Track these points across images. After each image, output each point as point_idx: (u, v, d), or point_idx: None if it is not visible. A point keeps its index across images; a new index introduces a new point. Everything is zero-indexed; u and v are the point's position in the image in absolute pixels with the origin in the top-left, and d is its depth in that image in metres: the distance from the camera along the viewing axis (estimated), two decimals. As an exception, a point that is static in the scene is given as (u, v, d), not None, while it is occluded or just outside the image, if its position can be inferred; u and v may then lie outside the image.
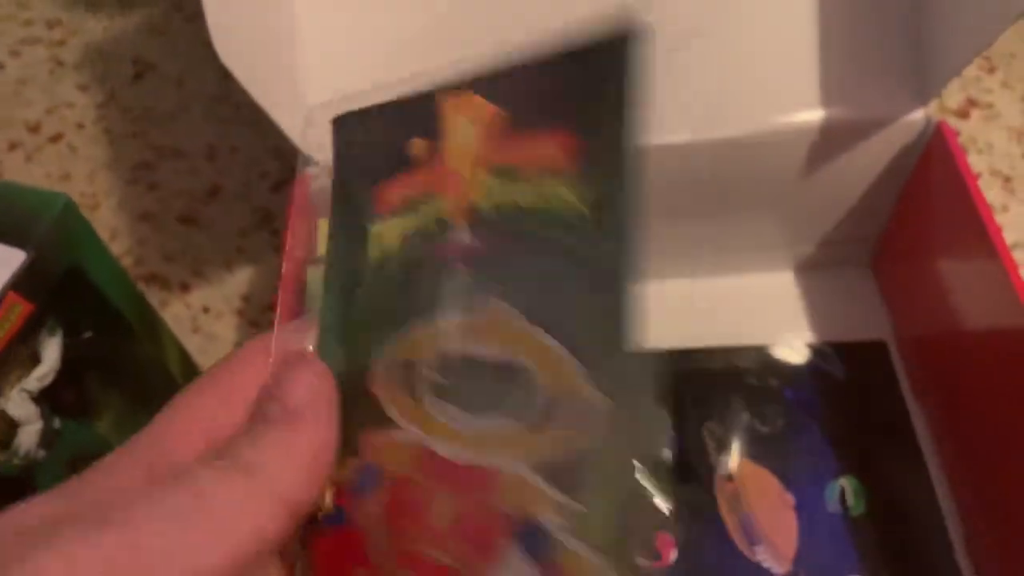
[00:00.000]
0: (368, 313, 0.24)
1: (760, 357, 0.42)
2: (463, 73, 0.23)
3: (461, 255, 0.22)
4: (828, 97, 0.37)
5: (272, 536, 0.20)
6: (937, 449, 0.39)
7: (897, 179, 0.40)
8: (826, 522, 0.37)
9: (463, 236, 0.22)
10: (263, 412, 0.21)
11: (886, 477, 0.38)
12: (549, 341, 0.20)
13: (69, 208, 0.32)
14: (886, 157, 0.39)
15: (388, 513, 0.21)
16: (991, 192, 0.48)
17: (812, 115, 0.37)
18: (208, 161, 0.55)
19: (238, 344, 0.46)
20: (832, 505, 0.38)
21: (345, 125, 0.26)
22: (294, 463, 0.20)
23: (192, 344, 0.46)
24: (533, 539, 0.19)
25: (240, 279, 0.49)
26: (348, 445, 0.22)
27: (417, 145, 0.24)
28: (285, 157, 0.54)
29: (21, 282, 0.30)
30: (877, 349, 0.42)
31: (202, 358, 0.45)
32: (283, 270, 0.28)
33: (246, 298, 0.48)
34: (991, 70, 0.53)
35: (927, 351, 0.40)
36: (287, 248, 0.29)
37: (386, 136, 0.25)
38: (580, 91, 0.21)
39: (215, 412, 0.22)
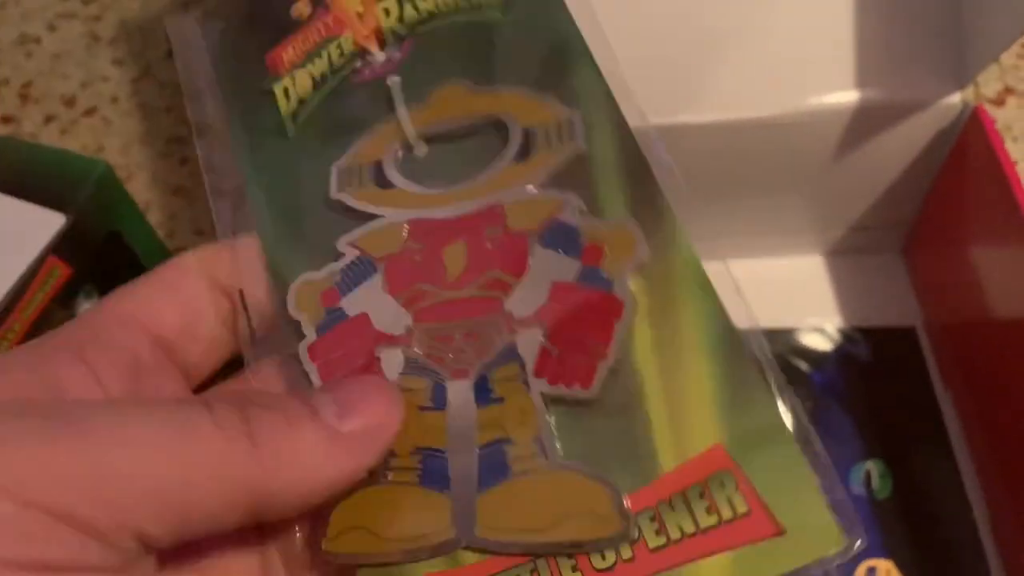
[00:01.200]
0: (304, 147, 0.24)
1: (787, 340, 0.42)
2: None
3: (385, 72, 0.23)
4: (863, 79, 0.37)
5: (227, 527, 0.17)
6: (965, 435, 0.39)
7: (931, 164, 0.39)
8: (851, 505, 0.37)
9: (378, 57, 0.24)
10: (318, 405, 0.18)
11: (912, 461, 0.38)
12: (505, 90, 0.22)
13: (108, 174, 0.32)
14: (921, 141, 0.38)
15: (391, 288, 0.22)
16: (1025, 181, 0.47)
17: (847, 96, 0.37)
18: (240, 137, 0.55)
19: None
20: (857, 487, 0.38)
21: (211, 22, 0.27)
22: (305, 482, 0.18)
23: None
24: (557, 235, 0.20)
25: (270, 253, 0.49)
26: (323, 254, 0.22)
27: (299, 8, 0.25)
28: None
29: (61, 246, 0.31)
30: (906, 335, 0.42)
31: (232, 330, 0.45)
32: None
33: (276, 272, 0.49)
34: (1028, 59, 0.52)
35: (957, 338, 0.40)
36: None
37: (261, 10, 0.26)
38: None
39: (158, 307, 0.22)
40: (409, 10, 0.24)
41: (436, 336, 0.21)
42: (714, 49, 0.38)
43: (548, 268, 0.20)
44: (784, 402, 0.19)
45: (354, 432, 0.18)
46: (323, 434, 0.18)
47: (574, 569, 0.18)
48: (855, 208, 0.43)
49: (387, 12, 0.24)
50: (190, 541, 0.17)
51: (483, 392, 0.20)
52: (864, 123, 0.38)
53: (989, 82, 0.51)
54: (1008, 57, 0.52)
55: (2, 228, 0.31)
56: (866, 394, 0.40)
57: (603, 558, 0.18)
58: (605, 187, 0.21)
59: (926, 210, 0.42)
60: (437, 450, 0.20)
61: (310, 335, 0.22)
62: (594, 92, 0.22)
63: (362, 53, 0.24)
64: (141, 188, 0.53)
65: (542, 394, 0.19)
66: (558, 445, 0.19)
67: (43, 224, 0.31)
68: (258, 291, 0.23)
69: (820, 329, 0.42)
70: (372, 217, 0.23)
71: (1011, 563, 0.36)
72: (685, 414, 0.19)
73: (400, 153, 0.23)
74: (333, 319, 0.22)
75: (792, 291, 0.44)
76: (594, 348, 0.19)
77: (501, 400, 0.19)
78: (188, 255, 0.23)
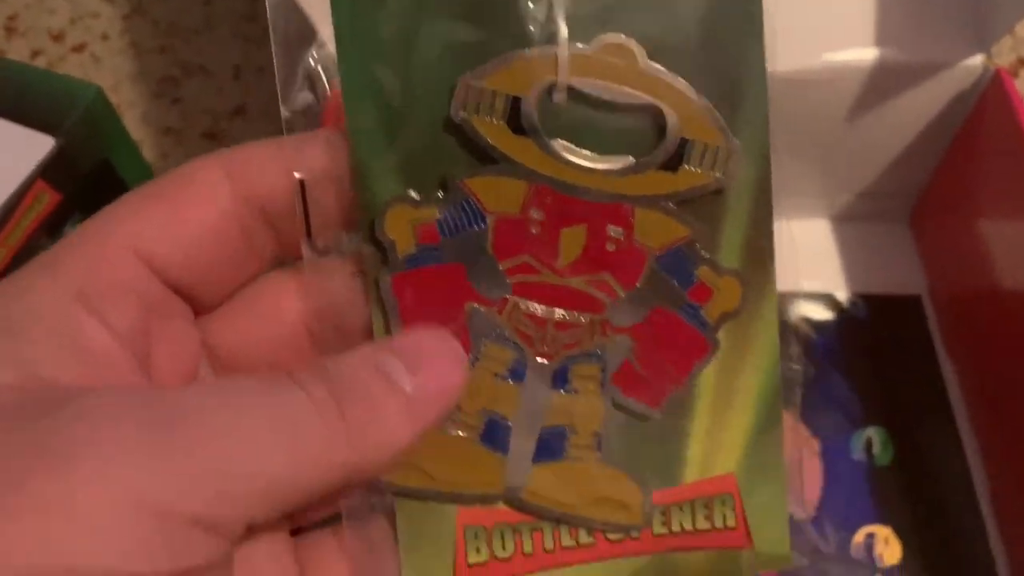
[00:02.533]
0: (420, 23, 0.20)
1: (790, 305, 0.41)
2: None
3: None
4: (882, 37, 0.36)
5: (325, 495, 0.18)
6: (967, 405, 0.38)
7: (947, 129, 0.39)
8: (851, 471, 0.37)
9: None
10: (389, 370, 0.19)
11: (914, 429, 0.38)
12: (677, 83, 0.20)
13: (100, 99, 0.31)
14: (938, 104, 0.38)
15: (498, 250, 0.21)
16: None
17: (864, 55, 0.36)
18: (234, 80, 0.53)
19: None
20: (858, 454, 0.37)
21: None
22: (392, 452, 0.18)
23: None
24: (676, 264, 0.21)
25: (263, 199, 0.48)
26: (427, 181, 0.20)
27: None
28: (310, 80, 0.53)
29: (49, 170, 0.29)
30: (911, 304, 0.41)
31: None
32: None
33: (268, 218, 0.48)
34: (1041, 32, 0.51)
35: (962, 308, 0.40)
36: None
37: None
38: None
39: (159, 232, 0.19)
40: None
41: (530, 315, 0.21)
42: None
43: (656, 291, 0.21)
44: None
45: (425, 395, 0.19)
46: (402, 407, 0.19)
47: (589, 534, 0.22)
48: (865, 173, 0.42)
49: None
50: None
51: (560, 380, 0.21)
52: (880, 83, 0.37)
53: (1003, 52, 0.50)
54: (1022, 27, 0.51)
55: (-12, 149, 0.29)
56: (869, 361, 0.40)
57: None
58: (731, 228, 0.21)
59: (937, 178, 0.41)
60: (503, 416, 0.21)
61: (397, 265, 0.20)
62: (755, 121, 0.21)
63: None
64: (131, 127, 0.51)
65: (613, 399, 0.21)
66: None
67: (31, 147, 0.29)
68: (327, 192, 0.20)
69: (823, 295, 0.42)
70: (492, 159, 0.20)
71: (1010, 532, 0.35)
72: (718, 445, 0.22)
73: (543, 104, 0.20)
74: (426, 257, 0.20)
75: (797, 255, 0.43)
76: (672, 376, 0.21)
77: (575, 392, 0.21)
78: (211, 162, 0.20)
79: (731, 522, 0.22)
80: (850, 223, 0.44)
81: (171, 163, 0.50)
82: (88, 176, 0.31)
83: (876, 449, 0.37)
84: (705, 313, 0.21)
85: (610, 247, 0.21)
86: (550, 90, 0.20)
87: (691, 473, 0.22)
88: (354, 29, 0.20)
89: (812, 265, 0.43)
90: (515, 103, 0.20)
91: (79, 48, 0.55)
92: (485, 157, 0.20)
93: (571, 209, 0.20)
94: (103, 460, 0.15)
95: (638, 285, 0.21)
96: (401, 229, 0.20)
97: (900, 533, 0.35)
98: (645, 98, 0.20)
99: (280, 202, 0.20)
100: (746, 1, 0.20)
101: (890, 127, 0.39)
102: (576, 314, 0.21)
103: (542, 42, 0.20)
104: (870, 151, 0.41)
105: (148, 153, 0.50)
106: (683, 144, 0.20)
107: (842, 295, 0.41)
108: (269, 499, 0.17)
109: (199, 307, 0.21)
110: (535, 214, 0.20)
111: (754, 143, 0.21)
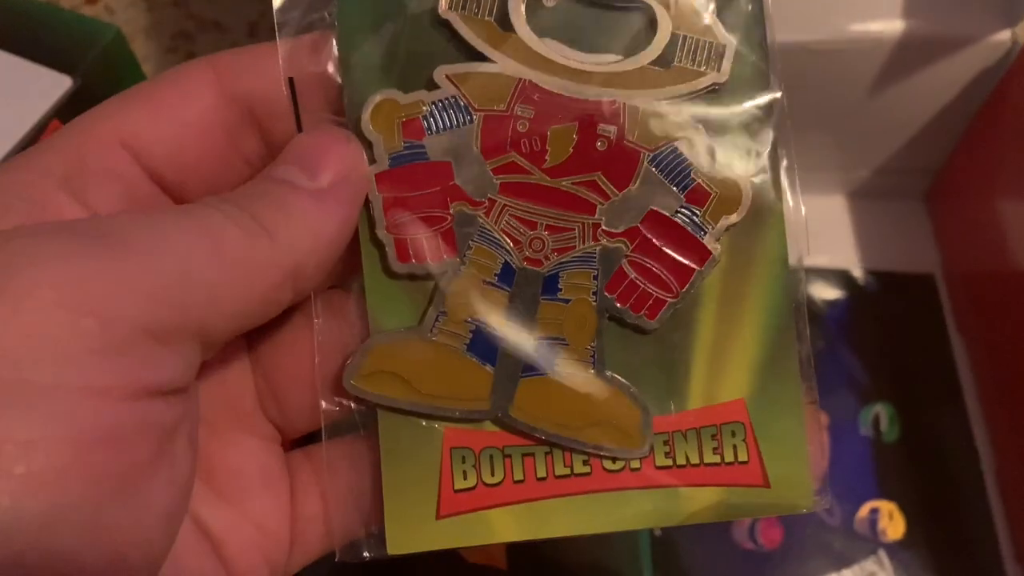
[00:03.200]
0: None
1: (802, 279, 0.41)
2: None
3: None
4: (908, 8, 0.36)
5: (271, 310, 0.18)
6: (976, 384, 0.38)
7: (970, 105, 0.38)
8: (858, 446, 0.37)
9: None
10: (288, 177, 0.19)
11: (922, 407, 0.38)
12: None
13: (119, 40, 0.30)
14: (962, 79, 0.37)
15: (485, 147, 0.20)
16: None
17: (890, 26, 0.36)
18: (249, 37, 0.53)
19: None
20: (865, 429, 0.37)
21: None
22: (317, 243, 0.18)
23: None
24: (671, 164, 0.20)
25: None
26: (414, 80, 0.20)
27: None
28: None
29: (65, 110, 0.29)
30: (924, 282, 0.41)
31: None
32: None
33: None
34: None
35: (976, 288, 0.39)
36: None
37: None
38: None
39: (144, 125, 0.19)
40: None
41: (519, 216, 0.20)
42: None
43: (651, 192, 0.20)
44: (806, 374, 0.21)
45: (331, 185, 0.19)
46: (308, 198, 0.19)
47: (585, 463, 0.20)
48: (883, 149, 0.41)
49: None
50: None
51: (551, 287, 0.20)
52: (904, 56, 0.37)
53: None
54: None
55: (5, 87, 0.29)
56: (880, 338, 0.39)
57: (613, 462, 0.20)
58: (730, 128, 0.20)
59: (956, 156, 0.41)
60: (491, 325, 0.20)
61: (382, 162, 0.20)
62: (749, 17, 0.20)
63: None
64: (144, 80, 0.51)
65: (607, 310, 0.20)
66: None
67: (48, 86, 0.29)
68: (316, 92, 0.20)
69: (836, 270, 0.41)
70: (479, 56, 0.20)
71: (1014, 511, 0.35)
72: (724, 366, 0.20)
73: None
74: (412, 155, 0.20)
75: (811, 230, 0.43)
76: (669, 285, 0.20)
77: (567, 301, 0.20)
78: (200, 62, 0.20)
79: (743, 456, 0.20)
80: (866, 199, 0.43)
81: (184, 117, 0.49)
82: (104, 118, 0.31)
83: (884, 425, 0.37)
84: (703, 217, 0.20)
85: (601, 146, 0.20)
86: None
87: (695, 397, 0.20)
88: None
89: (826, 240, 0.43)
90: (503, 0, 0.20)
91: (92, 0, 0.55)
92: (472, 54, 0.20)
93: (560, 106, 0.20)
94: (42, 267, 0.15)
95: (631, 186, 0.20)
96: (387, 125, 0.20)
97: (904, 509, 0.35)
98: None
99: (267, 103, 0.20)
100: None
101: (912, 102, 0.39)
102: (566, 216, 0.20)
103: None
104: (890, 126, 0.40)
105: (161, 106, 0.50)
106: (674, 40, 0.20)
107: (855, 271, 0.41)
108: (213, 307, 0.17)
109: None
110: (523, 111, 0.20)
111: (749, 40, 0.20)
